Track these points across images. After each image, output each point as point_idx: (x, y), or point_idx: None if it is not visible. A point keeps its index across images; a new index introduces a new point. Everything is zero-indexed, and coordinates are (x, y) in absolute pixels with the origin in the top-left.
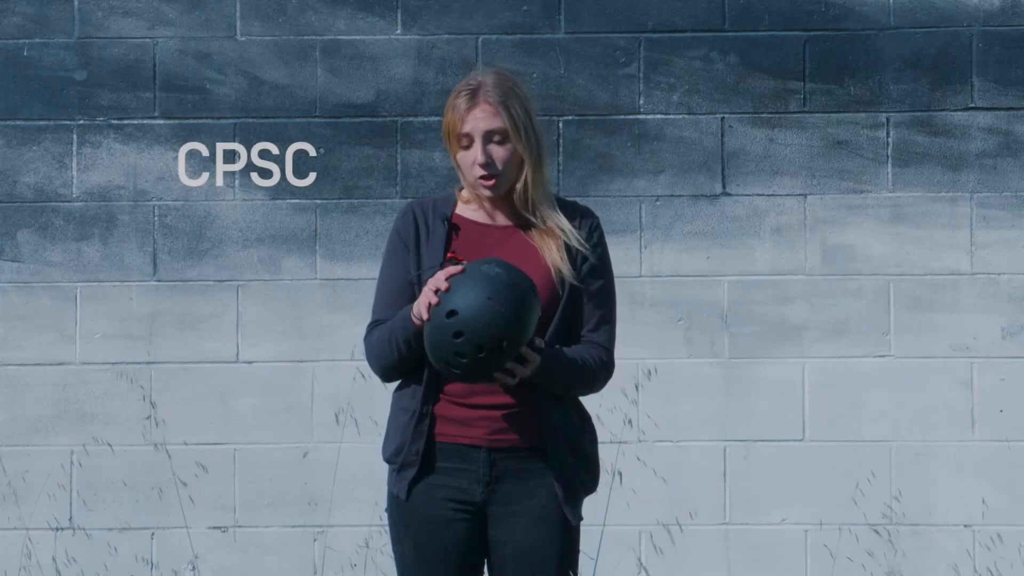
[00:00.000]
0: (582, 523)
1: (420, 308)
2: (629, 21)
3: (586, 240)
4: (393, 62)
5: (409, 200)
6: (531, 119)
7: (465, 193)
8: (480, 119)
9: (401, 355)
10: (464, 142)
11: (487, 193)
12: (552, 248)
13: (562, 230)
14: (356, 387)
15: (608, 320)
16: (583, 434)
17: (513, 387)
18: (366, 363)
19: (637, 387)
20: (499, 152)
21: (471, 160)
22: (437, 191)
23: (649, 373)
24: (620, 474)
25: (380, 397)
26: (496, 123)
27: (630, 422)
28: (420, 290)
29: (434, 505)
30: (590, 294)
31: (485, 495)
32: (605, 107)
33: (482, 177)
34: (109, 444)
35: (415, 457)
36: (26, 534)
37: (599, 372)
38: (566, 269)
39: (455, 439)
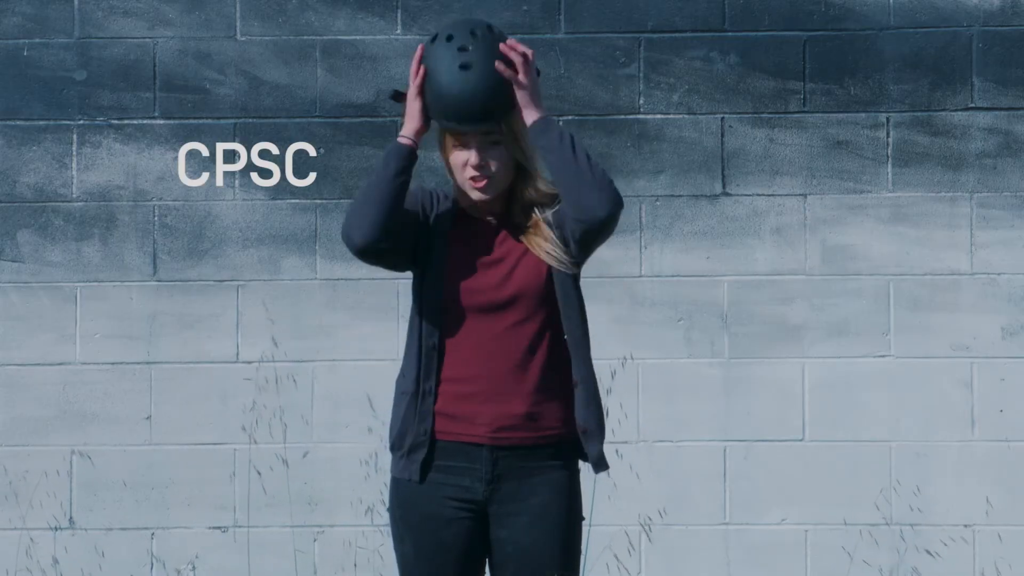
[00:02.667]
0: (581, 522)
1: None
2: (629, 21)
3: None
4: (393, 62)
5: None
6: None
7: (477, 202)
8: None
9: (385, 180)
10: (457, 142)
11: (476, 196)
12: (541, 244)
13: (545, 220)
14: (356, 387)
15: None
16: (594, 380)
17: (515, 382)
18: (367, 362)
19: (636, 387)
20: (493, 154)
21: (463, 160)
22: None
23: (648, 373)
24: (618, 473)
25: (380, 397)
26: (492, 131)
27: (628, 421)
28: (426, 238)
29: (435, 503)
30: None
31: (487, 494)
32: (605, 107)
33: (473, 179)
34: (109, 444)
35: (424, 437)
36: (26, 534)
37: (600, 169)
38: (556, 259)
39: (457, 437)
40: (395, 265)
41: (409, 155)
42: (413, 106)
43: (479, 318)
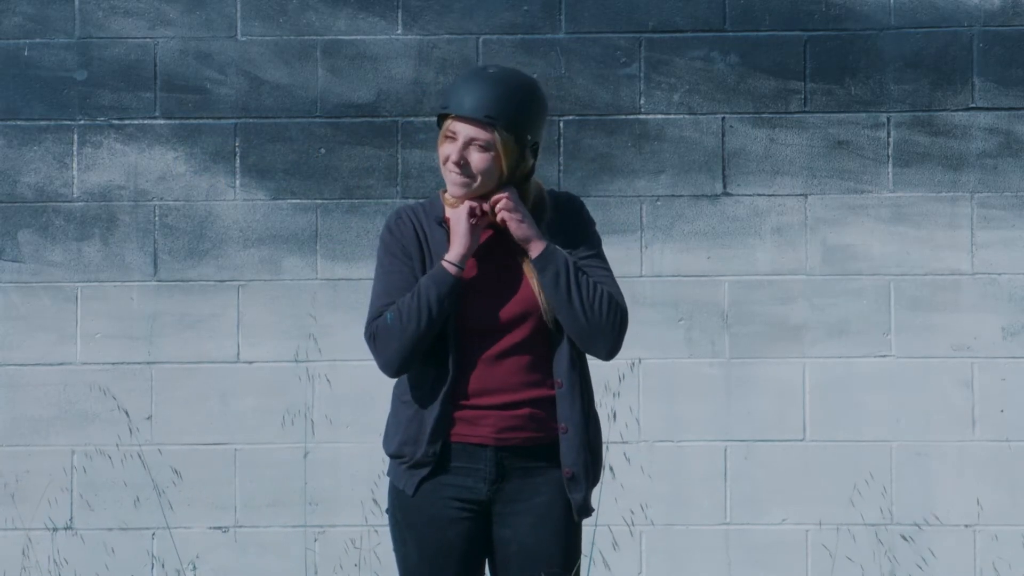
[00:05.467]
0: (583, 522)
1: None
2: (630, 21)
3: (574, 227)
4: (393, 62)
5: (396, 208)
6: (524, 133)
7: (449, 196)
8: (468, 124)
9: (431, 319)
10: (450, 134)
11: (451, 191)
12: (533, 280)
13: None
14: (356, 387)
15: (608, 274)
16: (588, 425)
17: (521, 384)
18: (367, 362)
19: (637, 387)
20: (476, 158)
21: (446, 155)
22: (435, 190)
23: (649, 373)
24: (619, 473)
25: (380, 397)
26: (482, 134)
27: (628, 422)
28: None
29: (439, 504)
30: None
31: (490, 494)
32: (606, 107)
33: (452, 174)
34: (109, 444)
35: (431, 459)
36: (26, 534)
37: (604, 296)
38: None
39: (463, 438)
40: None
41: (453, 288)
42: (464, 226)
43: (487, 337)
